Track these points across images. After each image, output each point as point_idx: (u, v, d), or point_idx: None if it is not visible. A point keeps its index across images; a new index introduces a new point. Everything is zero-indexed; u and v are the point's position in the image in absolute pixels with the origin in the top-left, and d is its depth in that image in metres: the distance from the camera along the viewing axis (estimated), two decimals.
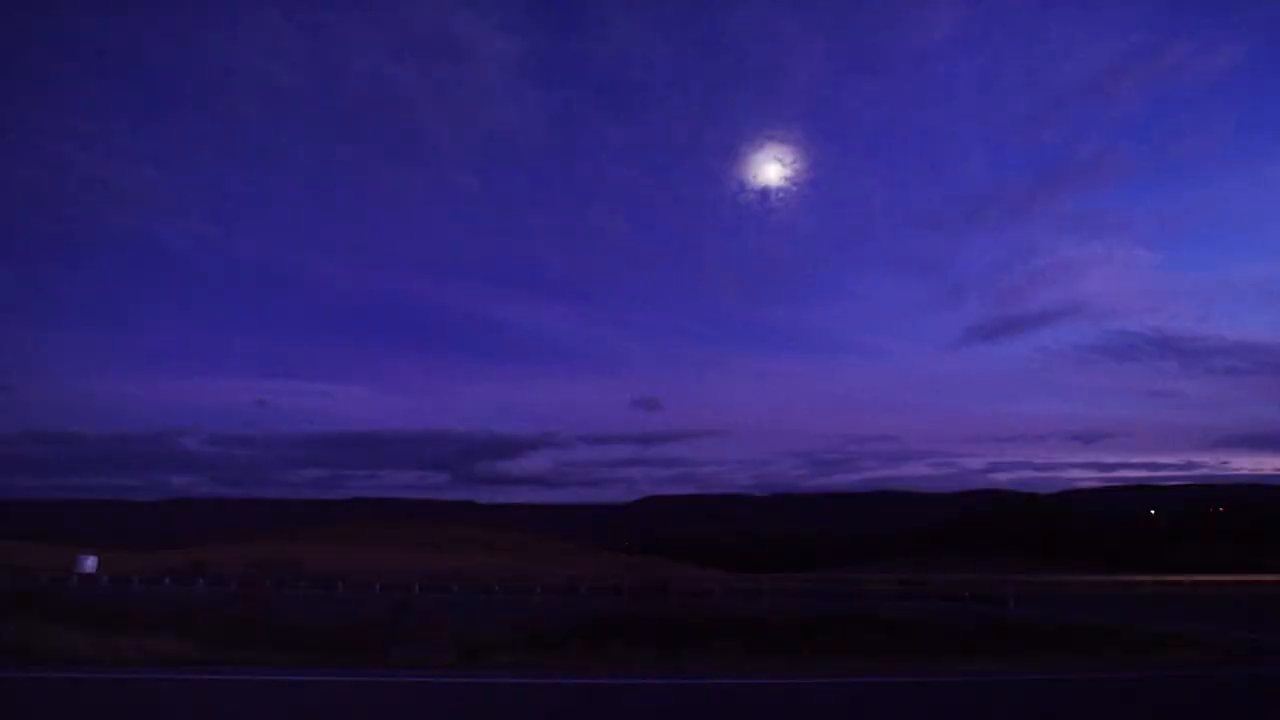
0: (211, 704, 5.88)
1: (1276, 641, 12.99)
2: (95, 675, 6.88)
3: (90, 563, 39.84)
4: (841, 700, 6.62)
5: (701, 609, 17.91)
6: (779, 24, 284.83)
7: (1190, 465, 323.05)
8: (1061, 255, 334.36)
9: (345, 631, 11.39)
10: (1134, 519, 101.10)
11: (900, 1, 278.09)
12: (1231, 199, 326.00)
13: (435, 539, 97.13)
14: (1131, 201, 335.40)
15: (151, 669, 7.38)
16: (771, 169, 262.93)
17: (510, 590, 29.14)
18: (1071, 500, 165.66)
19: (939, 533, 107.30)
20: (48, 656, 7.98)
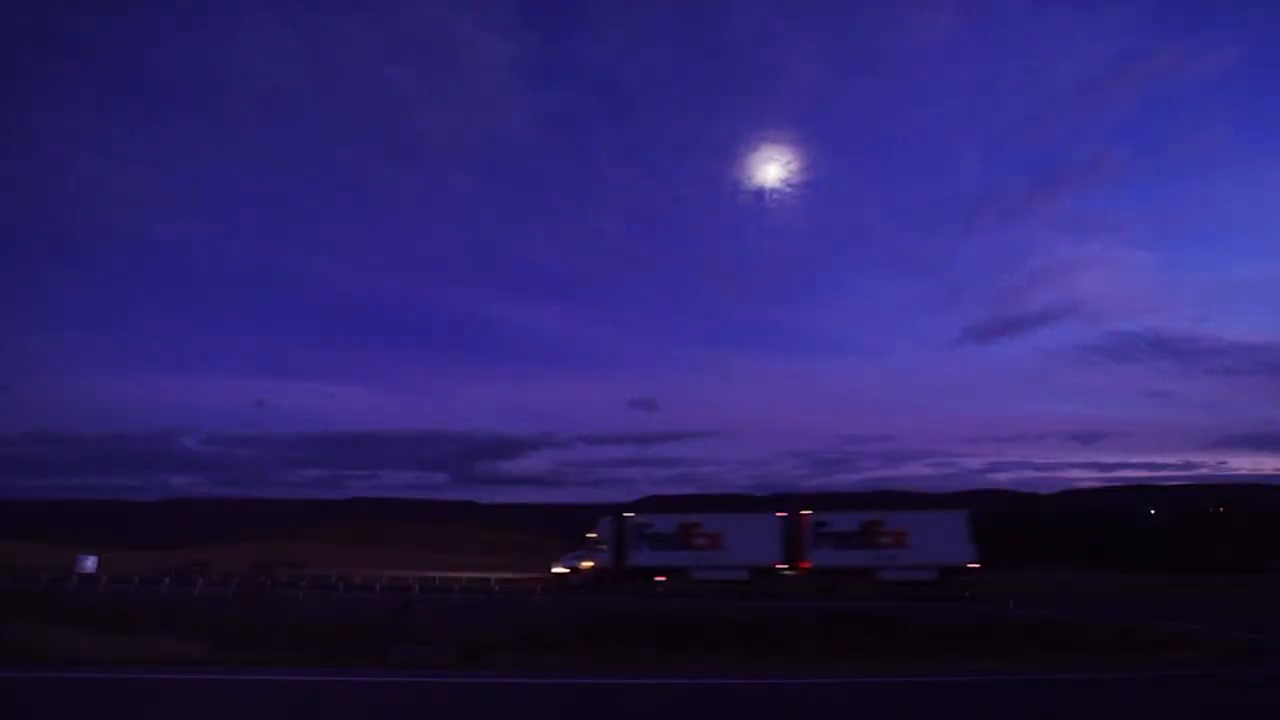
0: (211, 704, 5.88)
1: (1276, 641, 12.99)
2: (95, 675, 6.89)
3: (90, 563, 39.77)
4: (841, 700, 6.62)
5: (702, 609, 17.90)
6: (776, 25, 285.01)
7: (1189, 465, 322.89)
8: (1059, 256, 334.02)
9: (345, 631, 11.38)
10: (1134, 519, 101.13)
11: (898, 2, 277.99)
12: (1230, 199, 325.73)
13: (435, 539, 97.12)
14: (1130, 202, 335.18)
15: (151, 669, 7.38)
16: (770, 170, 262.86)
17: (510, 590, 29.16)
18: (1071, 500, 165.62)
19: None
20: (48, 656, 7.98)
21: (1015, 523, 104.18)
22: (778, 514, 32.55)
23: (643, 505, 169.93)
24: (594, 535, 32.95)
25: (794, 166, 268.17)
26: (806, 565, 30.76)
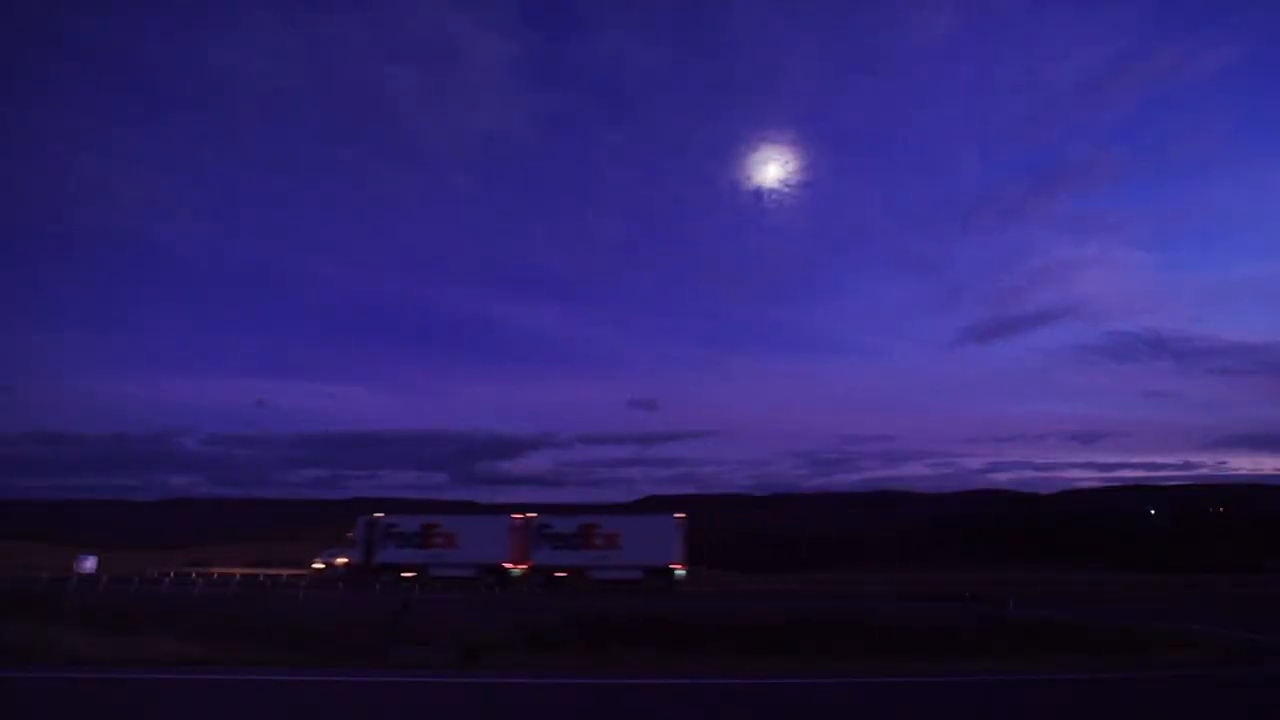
0: (211, 704, 5.88)
1: (1276, 641, 13.00)
2: (95, 675, 6.89)
3: (90, 563, 39.84)
4: (841, 700, 6.62)
5: (701, 609, 17.91)
6: (776, 25, 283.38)
7: (1188, 465, 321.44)
8: (1058, 256, 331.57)
9: (345, 631, 11.40)
10: (1134, 519, 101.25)
11: (898, 2, 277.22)
12: (1229, 199, 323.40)
13: None
14: (1128, 202, 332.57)
15: (151, 669, 7.39)
16: (769, 170, 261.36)
17: (510, 590, 29.33)
18: (1071, 500, 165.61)
19: (939, 533, 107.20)
20: (48, 656, 7.99)
21: (1015, 523, 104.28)
22: (512, 515, 34.49)
23: (642, 505, 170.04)
24: (351, 534, 34.54)
25: (794, 166, 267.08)
26: (529, 564, 32.59)
